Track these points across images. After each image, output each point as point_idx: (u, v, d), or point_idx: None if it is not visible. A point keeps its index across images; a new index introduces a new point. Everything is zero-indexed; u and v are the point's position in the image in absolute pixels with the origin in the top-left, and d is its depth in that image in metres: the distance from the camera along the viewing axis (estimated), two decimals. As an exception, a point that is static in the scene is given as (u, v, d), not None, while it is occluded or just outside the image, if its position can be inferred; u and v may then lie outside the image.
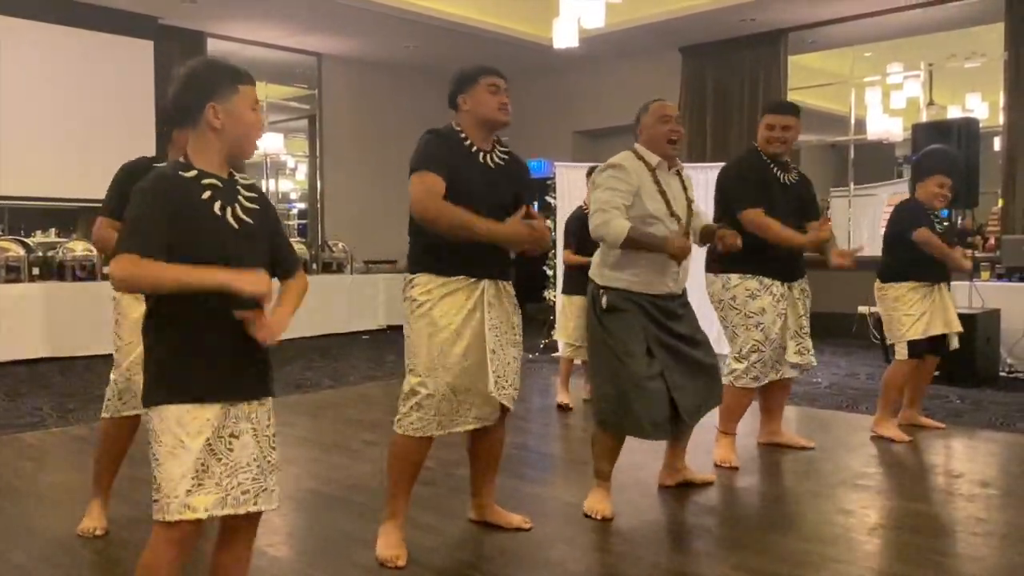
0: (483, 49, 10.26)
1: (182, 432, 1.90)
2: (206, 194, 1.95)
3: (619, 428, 3.26)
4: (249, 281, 1.87)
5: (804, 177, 4.24)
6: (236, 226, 1.98)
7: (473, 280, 2.83)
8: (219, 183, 1.99)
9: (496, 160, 2.93)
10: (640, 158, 3.35)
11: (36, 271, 7.83)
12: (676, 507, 3.49)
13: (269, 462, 2.04)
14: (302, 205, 12.51)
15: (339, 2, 8.60)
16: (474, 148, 2.89)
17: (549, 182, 8.39)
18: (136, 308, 2.99)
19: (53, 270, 7.94)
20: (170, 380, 1.92)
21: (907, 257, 4.52)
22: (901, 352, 4.57)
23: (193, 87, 1.98)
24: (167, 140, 3.12)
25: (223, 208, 1.96)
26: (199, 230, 1.92)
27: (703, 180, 7.71)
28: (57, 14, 8.40)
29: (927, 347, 4.60)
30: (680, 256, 3.18)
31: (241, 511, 1.98)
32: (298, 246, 9.97)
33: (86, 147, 8.21)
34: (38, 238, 8.47)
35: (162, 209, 1.88)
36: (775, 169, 4.06)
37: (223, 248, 1.94)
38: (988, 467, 4.20)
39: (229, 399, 1.96)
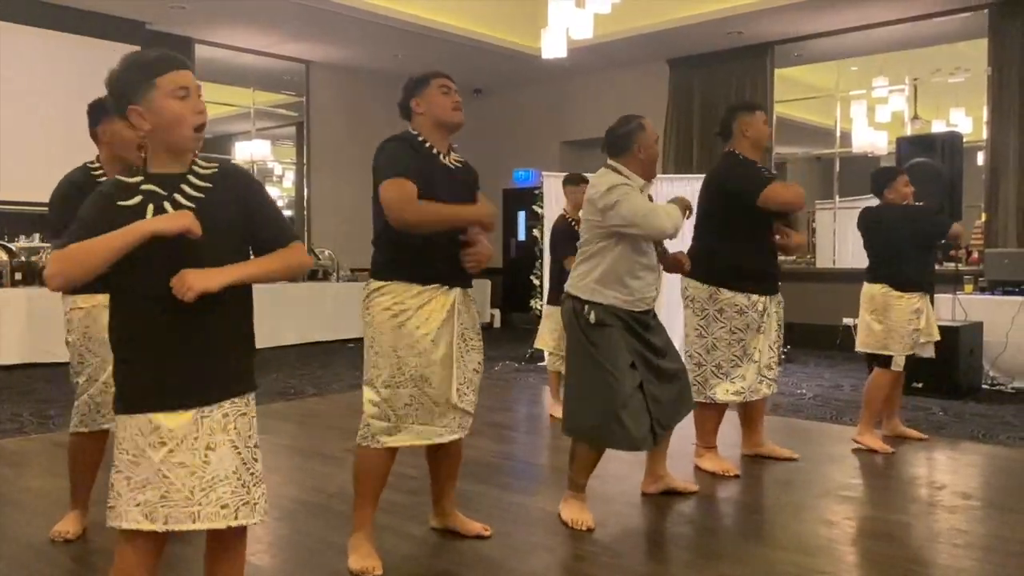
0: (472, 59, 10.29)
1: (144, 442, 1.87)
2: (135, 199, 1.87)
3: (608, 443, 3.25)
4: (171, 218, 1.81)
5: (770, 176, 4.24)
6: None
7: (446, 288, 2.82)
8: (159, 187, 1.89)
9: (455, 163, 2.94)
10: (627, 179, 3.30)
11: (18, 276, 7.76)
12: (659, 517, 3.49)
13: (252, 474, 1.97)
14: (289, 212, 12.46)
15: (328, 10, 8.60)
16: (436, 151, 2.88)
17: (537, 191, 8.41)
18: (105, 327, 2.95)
19: (35, 275, 7.87)
20: (130, 390, 1.89)
21: (919, 267, 4.55)
22: (899, 363, 4.57)
23: (115, 90, 1.89)
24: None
25: (157, 208, 1.87)
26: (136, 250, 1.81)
27: (689, 191, 7.74)
28: (44, 19, 8.36)
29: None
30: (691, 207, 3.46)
31: (219, 525, 1.92)
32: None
33: (71, 152, 8.05)
34: (21, 243, 8.40)
35: (97, 217, 1.85)
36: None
37: (163, 251, 1.83)
38: (970, 479, 4.22)
39: (193, 405, 1.88)
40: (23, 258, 7.95)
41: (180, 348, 1.88)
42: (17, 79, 8.24)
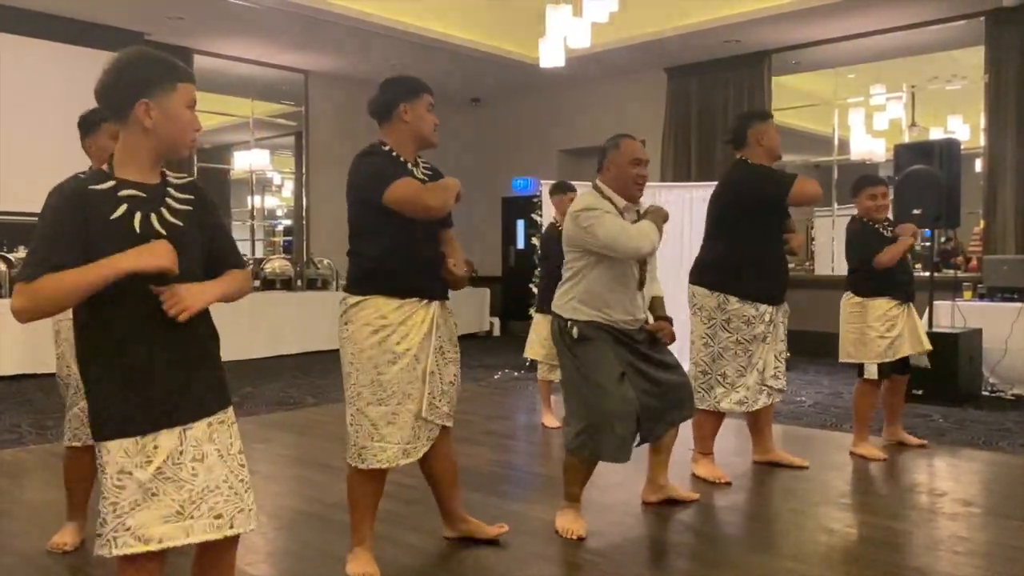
0: (470, 68, 10.32)
1: (129, 462, 1.81)
2: (121, 209, 1.80)
3: (596, 455, 3.23)
4: (150, 255, 1.74)
5: None
6: (164, 232, 1.84)
7: (426, 302, 2.81)
8: (141, 192, 1.84)
9: (423, 174, 2.89)
10: (606, 199, 3.28)
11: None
12: (658, 525, 3.47)
13: (241, 481, 1.94)
14: (288, 222, 12.49)
15: (325, 20, 8.62)
16: (406, 163, 2.85)
17: (535, 200, 8.41)
18: None
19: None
20: (110, 415, 1.82)
21: (881, 273, 4.48)
22: (871, 372, 4.55)
23: (126, 78, 1.82)
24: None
25: (145, 218, 1.82)
26: (115, 250, 1.76)
27: (687, 199, 7.77)
28: (43, 29, 8.38)
29: (895, 367, 4.61)
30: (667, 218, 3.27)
31: (217, 536, 1.89)
32: (283, 263, 9.94)
33: (70, 162, 8.08)
34: (20, 254, 8.40)
35: (69, 229, 1.75)
36: None
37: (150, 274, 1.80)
38: (971, 486, 4.21)
39: (175, 423, 1.84)
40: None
41: (162, 367, 1.83)
42: (17, 90, 8.26)
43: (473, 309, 11.12)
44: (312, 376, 7.81)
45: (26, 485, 4.14)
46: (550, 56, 7.01)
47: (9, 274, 7.74)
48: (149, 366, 1.82)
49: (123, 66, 1.83)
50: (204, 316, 1.92)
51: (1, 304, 7.43)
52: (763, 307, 3.97)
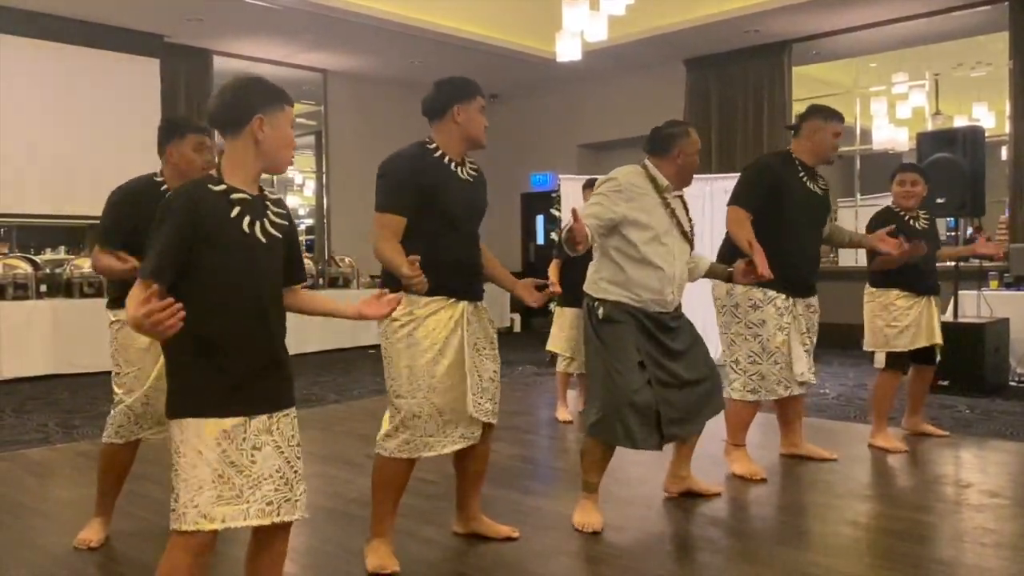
0: (488, 64, 10.31)
1: (200, 443, 1.95)
2: (235, 211, 2.01)
3: (610, 438, 3.23)
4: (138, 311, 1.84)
5: (826, 187, 4.17)
6: (264, 240, 2.05)
7: (453, 300, 2.84)
8: (248, 197, 2.04)
9: (470, 173, 2.96)
10: (651, 178, 3.31)
11: (44, 288, 7.87)
12: (681, 519, 3.46)
13: (296, 472, 2.10)
14: (309, 221, 12.56)
15: (344, 19, 8.65)
16: (451, 163, 2.90)
17: (554, 195, 8.41)
18: (139, 338, 2.95)
19: (60, 287, 7.98)
20: (192, 394, 1.96)
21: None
22: (879, 360, 4.57)
23: (245, 97, 2.04)
24: (162, 154, 3.10)
25: (252, 224, 2.03)
26: (228, 245, 1.98)
27: (707, 191, 7.73)
28: (65, 34, 8.49)
29: (910, 359, 4.56)
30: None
31: (265, 522, 2.03)
32: (306, 262, 10.01)
33: (94, 165, 8.26)
34: (47, 255, 8.52)
35: (187, 229, 1.93)
36: (803, 177, 4.00)
37: (252, 261, 2.02)
38: (997, 477, 4.15)
39: (249, 412, 2.00)
40: (48, 270, 8.06)
41: (245, 359, 1.99)
42: (40, 93, 8.37)
43: (494, 305, 11.07)
44: (334, 374, 7.86)
45: (53, 483, 4.20)
46: (567, 50, 7.00)
47: (36, 275, 7.84)
48: (235, 356, 1.98)
49: (245, 85, 2.07)
50: (281, 317, 2.12)
51: (28, 305, 7.55)
52: (772, 293, 3.93)
